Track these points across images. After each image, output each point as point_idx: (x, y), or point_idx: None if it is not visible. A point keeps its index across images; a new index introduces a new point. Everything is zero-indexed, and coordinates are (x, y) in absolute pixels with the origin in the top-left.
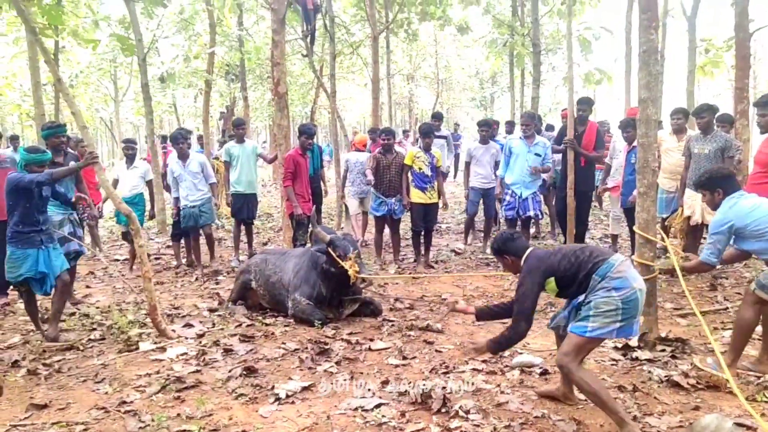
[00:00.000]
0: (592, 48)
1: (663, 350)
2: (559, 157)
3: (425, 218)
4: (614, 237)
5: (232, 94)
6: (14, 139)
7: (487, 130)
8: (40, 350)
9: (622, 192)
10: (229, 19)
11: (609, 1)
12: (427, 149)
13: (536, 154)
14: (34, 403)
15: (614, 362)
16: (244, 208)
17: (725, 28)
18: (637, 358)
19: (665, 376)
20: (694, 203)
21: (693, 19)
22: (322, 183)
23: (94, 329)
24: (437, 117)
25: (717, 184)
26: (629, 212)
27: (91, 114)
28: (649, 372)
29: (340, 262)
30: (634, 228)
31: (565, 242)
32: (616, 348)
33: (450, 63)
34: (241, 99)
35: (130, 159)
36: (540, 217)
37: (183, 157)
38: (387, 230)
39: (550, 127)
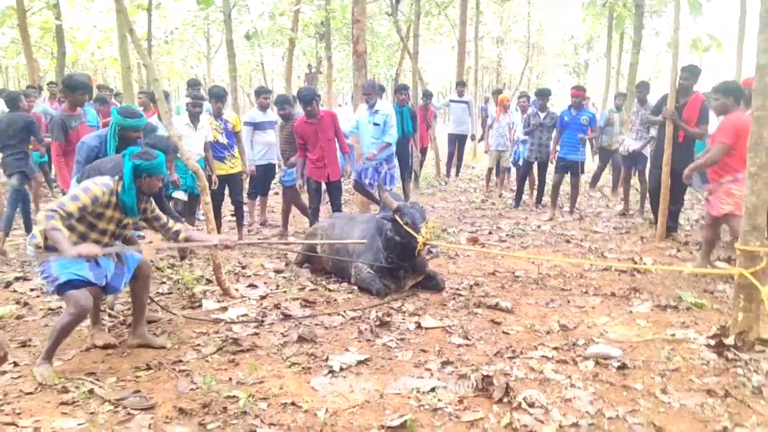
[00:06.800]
0: (703, 10)
1: (762, 351)
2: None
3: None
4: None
5: (318, 53)
6: (118, 96)
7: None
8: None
9: None
10: None
11: None
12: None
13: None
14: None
15: (705, 363)
16: None
17: None
18: (733, 359)
19: (762, 383)
20: None
21: None
22: (415, 146)
23: (164, 282)
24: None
25: None
26: None
27: (186, 71)
28: (745, 376)
29: (408, 229)
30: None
31: (655, 222)
32: (708, 346)
33: (543, 26)
34: (325, 59)
35: (195, 117)
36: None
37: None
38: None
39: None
